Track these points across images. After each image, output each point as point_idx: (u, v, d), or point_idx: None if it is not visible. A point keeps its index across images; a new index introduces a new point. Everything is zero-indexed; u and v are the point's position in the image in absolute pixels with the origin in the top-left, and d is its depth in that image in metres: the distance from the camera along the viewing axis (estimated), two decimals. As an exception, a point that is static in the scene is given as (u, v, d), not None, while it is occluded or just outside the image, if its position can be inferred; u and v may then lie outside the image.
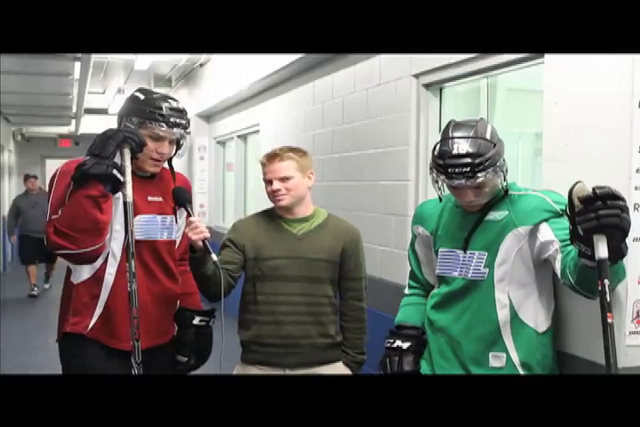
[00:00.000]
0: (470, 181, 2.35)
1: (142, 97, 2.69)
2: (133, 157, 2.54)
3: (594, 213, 1.92)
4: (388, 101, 4.41)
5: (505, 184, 2.46)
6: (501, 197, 2.51)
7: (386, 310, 3.86)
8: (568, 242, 2.22)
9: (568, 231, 2.17)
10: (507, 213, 2.49)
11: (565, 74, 2.68)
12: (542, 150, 2.87)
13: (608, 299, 2.00)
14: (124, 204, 2.52)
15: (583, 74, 2.60)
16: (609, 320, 2.00)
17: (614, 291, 2.38)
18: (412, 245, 2.83)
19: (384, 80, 4.48)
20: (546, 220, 2.41)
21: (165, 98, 2.71)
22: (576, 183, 1.99)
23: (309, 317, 2.88)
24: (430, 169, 2.47)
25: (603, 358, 2.43)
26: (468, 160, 2.34)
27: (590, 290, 2.16)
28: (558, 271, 2.34)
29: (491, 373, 2.49)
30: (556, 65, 2.72)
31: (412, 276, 2.88)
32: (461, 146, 2.37)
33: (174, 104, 2.69)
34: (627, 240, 2.06)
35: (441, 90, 4.09)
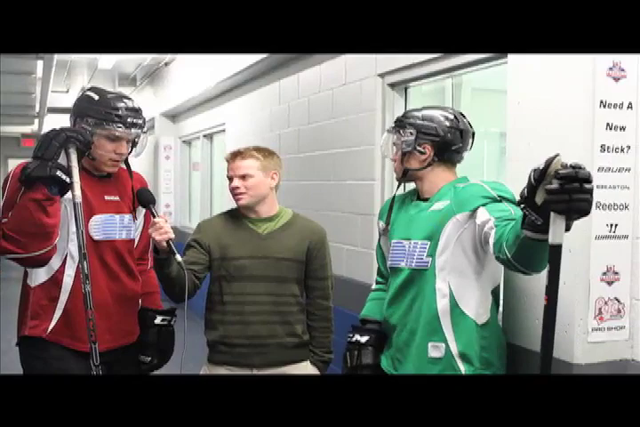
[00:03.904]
0: (392, 130, 2.70)
1: (97, 97, 2.65)
2: (81, 157, 2.48)
3: (568, 196, 1.79)
4: (354, 101, 4.42)
5: (430, 156, 2.62)
6: (448, 190, 2.59)
7: (353, 309, 3.87)
8: (503, 219, 2.25)
9: (505, 213, 2.27)
10: (448, 202, 2.55)
11: (528, 74, 2.71)
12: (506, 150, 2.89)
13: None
14: (74, 204, 2.46)
15: (545, 74, 2.62)
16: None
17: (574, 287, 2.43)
18: (379, 240, 2.91)
19: (349, 80, 4.49)
20: (483, 205, 2.42)
21: (120, 97, 2.68)
22: (557, 155, 1.85)
23: (276, 316, 2.88)
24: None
25: (565, 354, 2.48)
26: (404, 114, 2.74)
27: (527, 265, 2.11)
28: (491, 246, 2.30)
29: (429, 363, 2.52)
30: (519, 65, 2.75)
31: (378, 271, 2.95)
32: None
33: (130, 104, 2.67)
34: (588, 239, 2.05)
35: (406, 89, 4.11)
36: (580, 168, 1.78)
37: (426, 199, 2.66)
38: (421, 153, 2.61)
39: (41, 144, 2.39)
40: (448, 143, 2.61)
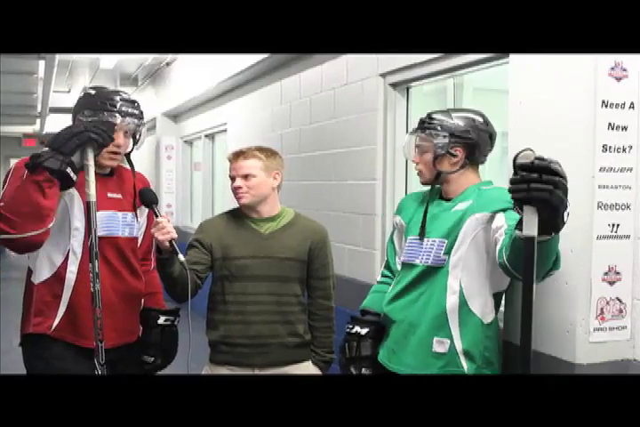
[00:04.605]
0: (418, 133, 2.68)
1: (93, 92, 2.72)
2: (95, 157, 2.51)
3: (526, 185, 1.83)
4: (356, 101, 4.42)
5: (462, 159, 2.62)
6: (472, 191, 2.61)
7: (355, 309, 3.87)
8: (514, 227, 2.22)
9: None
10: (470, 202, 2.57)
11: (529, 74, 2.71)
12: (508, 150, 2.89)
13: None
14: (87, 203, 2.49)
15: (547, 74, 2.62)
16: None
17: (576, 287, 2.42)
18: (392, 235, 2.92)
19: (351, 80, 4.49)
20: (503, 210, 2.44)
21: (117, 91, 2.75)
22: (524, 149, 1.87)
23: (278, 316, 2.88)
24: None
25: (566, 354, 2.48)
26: (430, 117, 2.68)
27: (519, 269, 2.11)
28: (497, 252, 2.34)
29: (433, 358, 2.55)
30: (521, 65, 2.75)
31: (387, 265, 2.96)
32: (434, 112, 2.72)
33: (126, 96, 2.73)
34: (590, 239, 2.04)
35: (408, 89, 4.11)
36: (543, 160, 1.82)
37: (449, 199, 2.67)
38: (453, 156, 2.62)
39: (61, 137, 2.41)
40: (480, 146, 2.63)
